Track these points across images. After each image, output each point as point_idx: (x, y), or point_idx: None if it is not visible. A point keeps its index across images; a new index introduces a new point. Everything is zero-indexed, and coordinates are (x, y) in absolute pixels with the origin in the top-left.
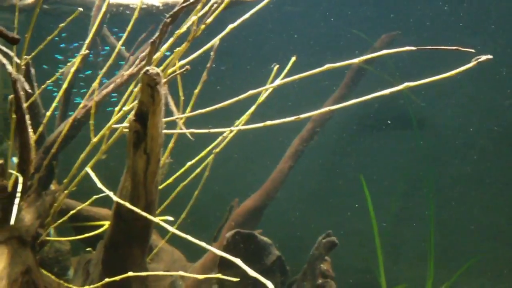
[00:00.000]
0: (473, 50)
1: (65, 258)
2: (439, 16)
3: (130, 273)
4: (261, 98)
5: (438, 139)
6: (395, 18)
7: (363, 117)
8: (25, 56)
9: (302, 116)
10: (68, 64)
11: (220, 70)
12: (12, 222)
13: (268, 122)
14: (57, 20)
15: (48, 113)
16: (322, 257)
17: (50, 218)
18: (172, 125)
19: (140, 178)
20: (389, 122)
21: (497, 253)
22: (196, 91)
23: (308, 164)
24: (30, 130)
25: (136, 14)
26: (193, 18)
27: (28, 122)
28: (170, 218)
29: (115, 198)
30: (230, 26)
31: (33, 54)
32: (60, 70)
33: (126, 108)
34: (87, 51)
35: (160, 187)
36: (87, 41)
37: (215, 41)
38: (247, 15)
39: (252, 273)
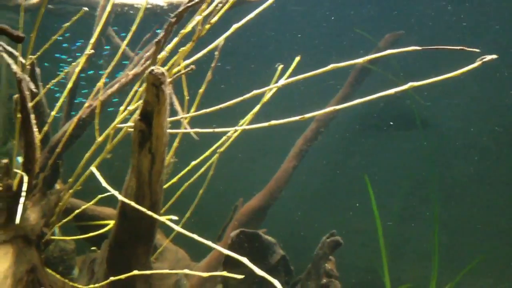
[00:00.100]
0: (478, 50)
1: (70, 257)
2: (441, 16)
3: (135, 272)
4: (265, 98)
5: (441, 139)
6: (397, 18)
7: (367, 117)
8: (30, 56)
9: (307, 116)
10: (73, 63)
11: (225, 69)
12: (17, 221)
13: (273, 122)
14: (60, 19)
15: (53, 113)
16: (326, 257)
17: (55, 217)
18: (176, 124)
19: (145, 178)
20: (392, 122)
21: (500, 253)
22: (201, 90)
23: (312, 164)
24: (35, 129)
25: (141, 14)
26: (197, 17)
27: (33, 121)
28: (175, 217)
29: (120, 197)
30: (235, 26)
31: (38, 53)
32: (65, 70)
33: (131, 107)
34: (92, 50)
35: (164, 187)
36: (92, 40)
37: (220, 40)
38: (252, 15)
39: (259, 271)
